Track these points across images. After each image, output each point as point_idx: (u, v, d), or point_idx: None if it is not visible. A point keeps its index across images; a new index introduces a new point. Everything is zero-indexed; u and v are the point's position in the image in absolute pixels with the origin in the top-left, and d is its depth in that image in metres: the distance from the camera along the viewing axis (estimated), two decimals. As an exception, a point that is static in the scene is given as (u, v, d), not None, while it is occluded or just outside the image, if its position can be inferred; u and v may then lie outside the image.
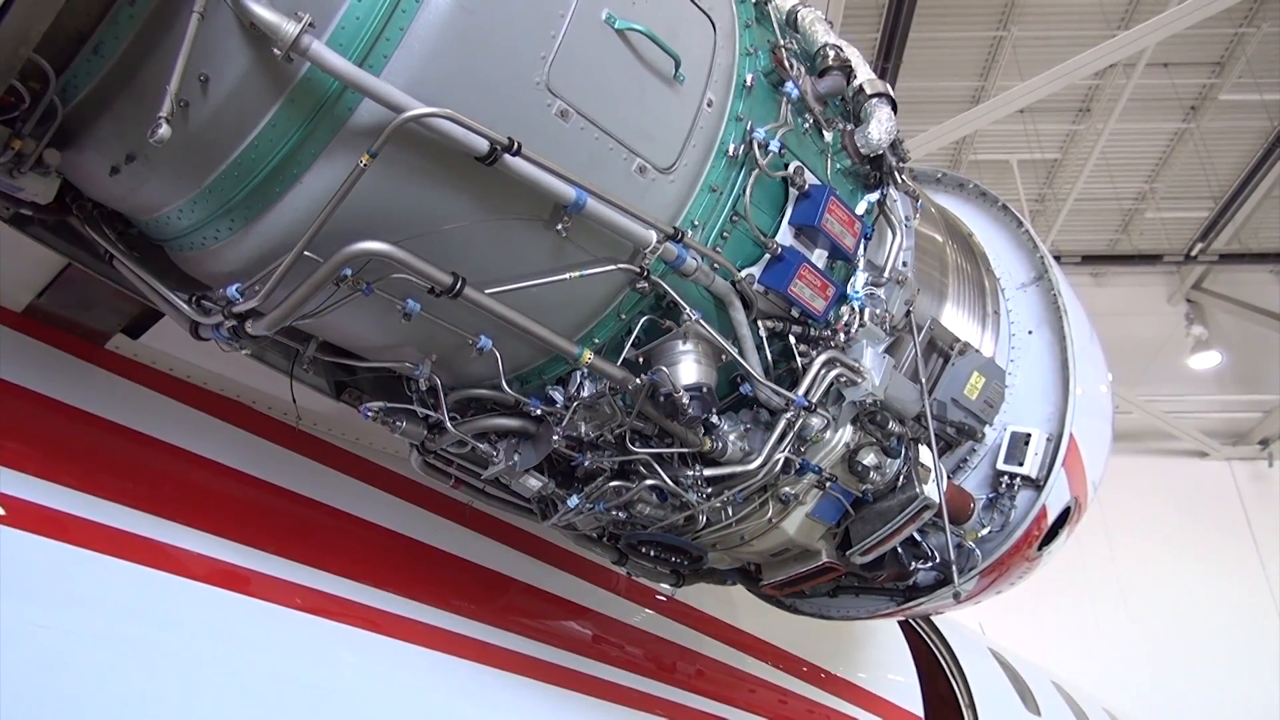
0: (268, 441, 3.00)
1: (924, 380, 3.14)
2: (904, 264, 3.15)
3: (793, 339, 2.78)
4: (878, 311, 2.93)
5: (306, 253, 1.92)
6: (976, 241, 4.27)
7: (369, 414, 2.47)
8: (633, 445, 2.60)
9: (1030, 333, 4.04)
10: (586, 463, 2.66)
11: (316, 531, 2.99)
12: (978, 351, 3.64)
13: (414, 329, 2.19)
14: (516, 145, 1.93)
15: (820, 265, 2.77)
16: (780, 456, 2.73)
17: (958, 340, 3.53)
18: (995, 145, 12.72)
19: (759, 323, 2.69)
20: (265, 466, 2.95)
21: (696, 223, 2.44)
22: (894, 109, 2.95)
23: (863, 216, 2.93)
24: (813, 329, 2.85)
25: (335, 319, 2.12)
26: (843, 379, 2.84)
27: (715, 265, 2.50)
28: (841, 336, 2.85)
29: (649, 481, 2.71)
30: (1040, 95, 9.92)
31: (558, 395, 2.51)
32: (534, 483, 2.71)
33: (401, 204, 1.99)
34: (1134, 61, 10.95)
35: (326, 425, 3.25)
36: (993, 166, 12.91)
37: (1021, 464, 3.55)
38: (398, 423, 2.54)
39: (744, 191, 2.49)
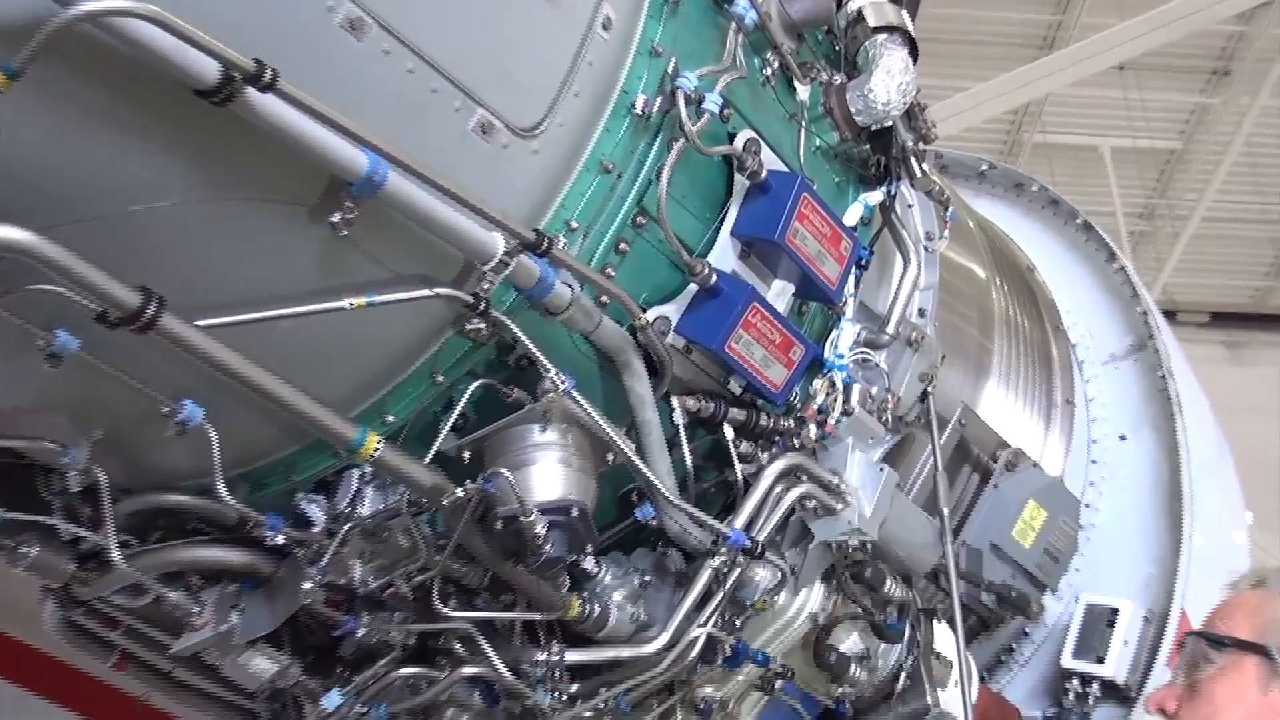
0: None
1: (946, 512, 3.28)
2: (920, 313, 3.29)
3: (729, 430, 2.87)
4: (874, 391, 3.05)
5: None
6: (1041, 281, 4.50)
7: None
8: (444, 604, 2.62)
9: (1123, 438, 4.25)
10: (361, 632, 2.66)
11: None
12: (1037, 467, 3.82)
13: (65, 382, 2.18)
14: (270, 74, 1.96)
15: (781, 307, 2.88)
16: (700, 634, 2.78)
17: (1005, 446, 3.68)
18: (1076, 121, 13.43)
19: (674, 400, 2.77)
20: None
21: (574, 224, 2.51)
22: (913, 54, 3.11)
23: (856, 229, 3.08)
24: (765, 415, 2.95)
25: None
26: (811, 504, 2.93)
27: (604, 299, 2.57)
28: (812, 431, 2.97)
29: (468, 670, 2.71)
30: (1150, 44, 10.48)
31: (316, 512, 2.51)
32: (264, 664, 2.69)
33: (63, 165, 1.98)
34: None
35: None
36: (1072, 155, 13.58)
37: (1102, 659, 3.69)
38: (22, 548, 2.50)
39: (657, 176, 2.58)
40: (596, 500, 2.61)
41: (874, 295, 3.27)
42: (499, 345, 2.50)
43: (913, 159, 3.20)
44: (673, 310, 2.71)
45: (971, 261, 3.91)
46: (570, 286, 2.46)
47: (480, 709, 2.81)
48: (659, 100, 2.57)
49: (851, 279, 3.06)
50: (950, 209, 3.40)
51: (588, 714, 2.81)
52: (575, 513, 2.51)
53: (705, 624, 2.79)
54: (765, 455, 2.95)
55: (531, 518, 2.43)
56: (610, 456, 2.64)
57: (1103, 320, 4.41)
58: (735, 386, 2.89)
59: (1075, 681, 3.74)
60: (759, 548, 2.79)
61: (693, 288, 2.71)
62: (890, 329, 3.14)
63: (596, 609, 2.74)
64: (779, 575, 2.94)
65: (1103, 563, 3.94)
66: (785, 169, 2.88)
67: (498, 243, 2.32)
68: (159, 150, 2.04)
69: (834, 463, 2.99)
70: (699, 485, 2.92)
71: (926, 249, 3.30)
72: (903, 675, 3.21)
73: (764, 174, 2.76)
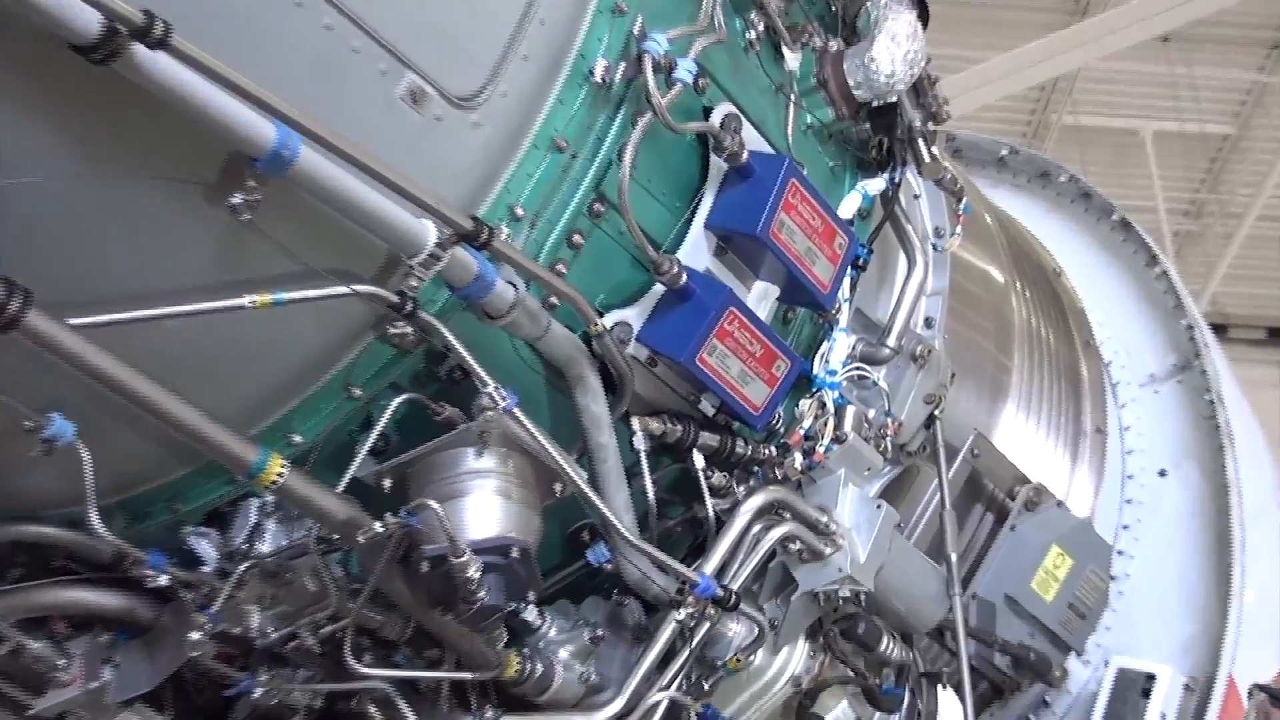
0: None
1: (955, 558, 3.33)
2: (927, 323, 3.32)
3: (699, 458, 2.91)
4: (871, 414, 3.10)
5: None
6: (1070, 288, 4.54)
7: None
8: (357, 660, 2.62)
9: (1164, 474, 4.26)
10: (258, 692, 2.66)
11: None
12: (1061, 507, 3.84)
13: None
14: (162, 28, 1.96)
15: (763, 313, 2.92)
16: (661, 699, 2.79)
17: (1024, 481, 3.71)
18: (1113, 100, 13.54)
19: (635, 422, 2.80)
20: None
21: (520, 211, 2.53)
22: (923, 18, 3.16)
23: (853, 223, 3.12)
24: (742, 441, 2.98)
25: None
26: (795, 546, 2.97)
27: (553, 300, 2.59)
28: (797, 460, 3.00)
29: (387, 738, 2.72)
30: (1200, 11, 10.60)
31: (206, 548, 2.52)
32: (141, 730, 2.67)
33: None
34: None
35: None
36: (1107, 140, 13.70)
37: (1136, 734, 3.74)
38: None
39: (619, 156, 2.61)
40: (541, 539, 2.62)
41: (873, 301, 3.31)
42: (428, 354, 2.52)
43: (920, 141, 3.23)
44: (635, 315, 2.74)
45: (988, 263, 3.94)
46: (514, 285, 2.47)
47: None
48: (622, 67, 2.59)
49: (846, 281, 3.10)
50: (964, 201, 3.45)
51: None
52: (515, 553, 2.51)
53: (668, 687, 2.80)
54: (742, 488, 2.99)
55: (463, 559, 2.42)
56: (558, 487, 2.65)
57: (1141, 335, 4.44)
58: (707, 407, 2.93)
59: (1105, 762, 3.78)
60: (732, 597, 2.81)
61: (659, 289, 2.74)
62: (891, 341, 3.18)
63: (539, 668, 2.75)
64: (756, 630, 2.97)
65: (1138, 621, 3.97)
66: (770, 150, 2.91)
67: (428, 232, 2.32)
68: (28, 116, 2.04)
69: (823, 498, 3.03)
70: (663, 523, 2.94)
71: (935, 247, 3.34)
72: (900, 752, 3.24)
73: (745, 156, 2.79)
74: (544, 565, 2.69)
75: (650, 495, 2.84)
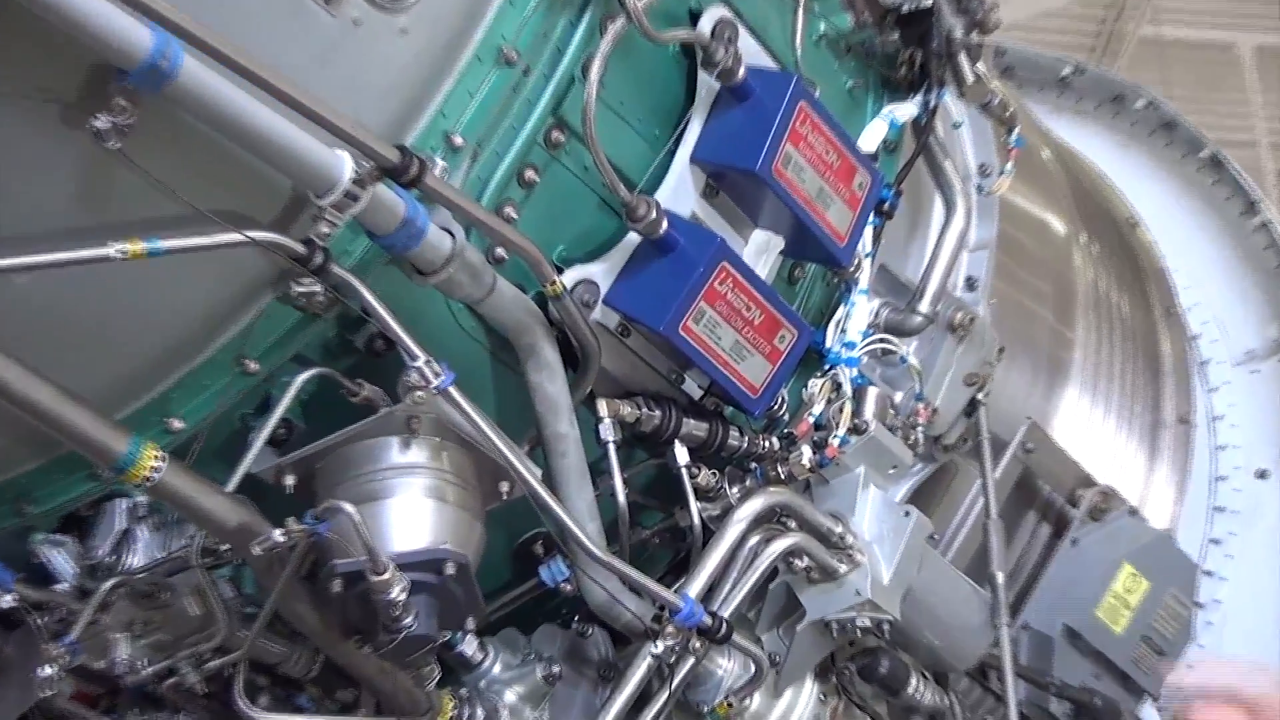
0: None
1: (1002, 579, 3.33)
2: (968, 284, 3.33)
3: (682, 452, 2.90)
4: (898, 398, 3.11)
5: None
6: (1148, 242, 4.53)
7: None
8: (251, 703, 2.61)
9: (1264, 475, 4.26)
10: (125, 743, 2.65)
11: None
12: (1135, 515, 3.84)
13: None
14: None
15: (764, 270, 2.92)
16: (634, 756, 2.80)
17: (1089, 483, 3.71)
18: (1203, 4, 13.62)
19: (601, 406, 2.79)
20: None
21: (459, 140, 2.51)
22: (966, -101, 3.16)
23: (877, 158, 3.11)
24: (736, 430, 2.98)
25: None
26: (801, 563, 2.96)
27: (500, 252, 2.59)
28: (805, 455, 3.00)
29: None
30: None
31: (62, 561, 2.51)
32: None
33: None
34: None
35: None
36: (1195, 56, 13.72)
37: (1229, 803, 3.76)
38: None
39: (583, 71, 2.60)
40: (483, 552, 2.61)
41: (901, 257, 3.30)
42: (342, 319, 2.51)
43: (962, 56, 3.22)
44: (602, 272, 2.73)
45: (1046, 210, 3.95)
46: (450, 233, 2.46)
47: None
48: (585, -38, 2.59)
49: (868, 232, 3.09)
50: (1016, 132, 3.44)
51: None
52: (450, 569, 2.50)
53: (642, 739, 2.80)
54: (735, 490, 2.99)
55: (385, 576, 2.40)
56: (505, 487, 2.65)
57: (1236, 301, 4.45)
58: (693, 387, 2.93)
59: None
60: (723, 627, 2.79)
61: (633, 239, 2.73)
62: (924, 306, 3.18)
63: (479, 713, 2.76)
64: (752, 668, 2.97)
65: (1232, 654, 3.99)
66: (773, 66, 2.91)
67: (343, 165, 2.30)
68: None
69: (837, 503, 3.03)
70: (636, 532, 2.95)
71: (979, 190, 3.34)
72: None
73: (741, 73, 2.78)
74: (487, 585, 2.66)
75: (620, 498, 2.83)
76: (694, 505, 2.90)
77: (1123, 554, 3.65)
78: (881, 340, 3.07)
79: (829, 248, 2.94)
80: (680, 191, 2.80)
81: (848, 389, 3.01)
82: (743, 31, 2.82)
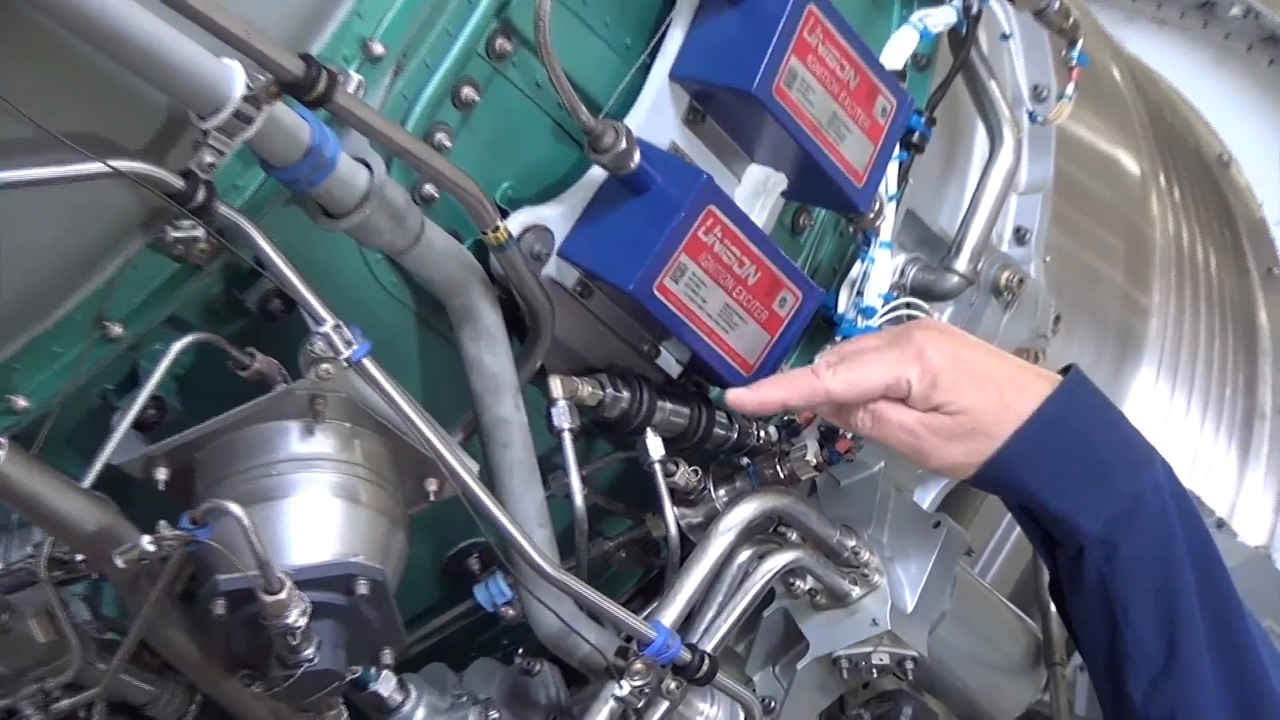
0: None
1: (1054, 606, 3.34)
2: (1018, 236, 3.35)
3: (655, 444, 2.91)
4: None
5: None
6: (1244, 186, 4.51)
7: None
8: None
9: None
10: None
11: None
12: (1224, 529, 3.82)
13: None
14: None
15: (761, 217, 2.93)
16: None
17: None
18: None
19: (554, 384, 2.79)
20: None
21: (379, 48, 2.51)
22: None
23: (904, 76, 3.14)
24: (725, 418, 3.01)
25: None
26: (803, 586, 3.00)
27: (430, 189, 2.61)
28: (810, 450, 3.01)
29: None
30: None
31: None
32: None
33: None
34: None
35: None
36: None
37: None
38: None
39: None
40: (405, 566, 2.62)
41: (933, 201, 3.34)
42: (229, 272, 2.51)
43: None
44: (558, 216, 2.74)
45: (1116, 145, 3.97)
46: (366, 165, 2.45)
47: None
48: None
49: (893, 169, 3.11)
50: (1079, 46, 3.44)
51: None
52: (363, 588, 2.50)
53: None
54: (722, 491, 3.03)
55: (280, 595, 2.39)
56: (433, 486, 2.67)
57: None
58: (671, 362, 2.97)
59: None
60: (705, 663, 2.80)
61: (597, 175, 2.74)
62: (962, 264, 3.20)
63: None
64: (741, 715, 2.99)
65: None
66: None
67: (232, 78, 2.28)
68: None
69: (849, 510, 3.07)
70: (598, 544, 3.01)
71: (1033, 118, 3.36)
72: None
73: (731, -29, 2.80)
74: (409, 608, 2.69)
75: (578, 500, 2.83)
76: (670, 510, 2.90)
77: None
78: (908, 305, 3.08)
79: (843, 188, 2.93)
80: (657, 116, 2.81)
81: (864, 366, 3.03)
82: (733, -84, 2.83)
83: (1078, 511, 2.74)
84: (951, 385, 2.69)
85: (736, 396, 2.77)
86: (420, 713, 2.82)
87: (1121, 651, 2.77)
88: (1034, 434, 2.69)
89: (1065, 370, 2.79)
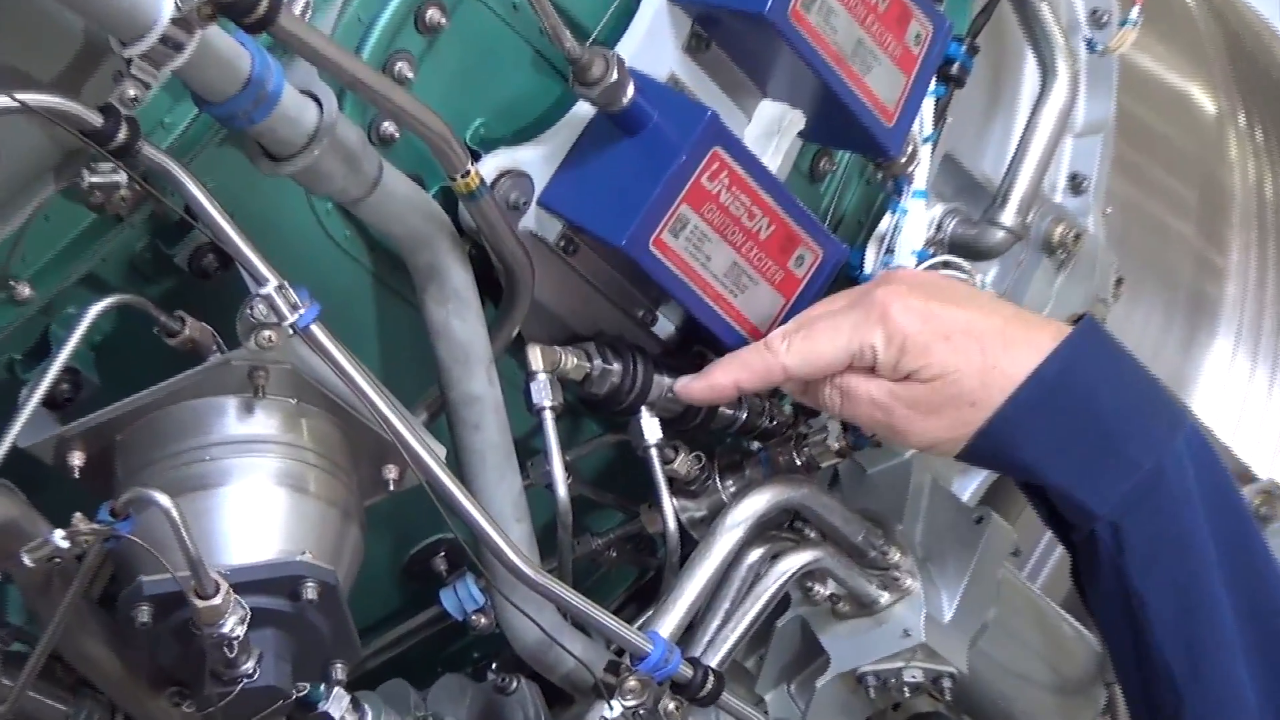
0: None
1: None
2: (1074, 184, 3.37)
3: (651, 426, 2.93)
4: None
5: None
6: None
7: None
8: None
9: None
10: None
11: None
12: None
13: None
14: None
15: (773, 162, 2.96)
16: None
17: (1248, 478, 3.71)
18: None
19: (533, 356, 2.81)
20: None
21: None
22: None
23: (942, 5, 3.16)
24: (734, 402, 3.04)
25: None
26: (823, 591, 3.04)
27: (389, 127, 2.63)
28: (833, 434, 3.04)
29: None
30: None
31: None
32: None
33: None
34: None
35: None
36: None
37: None
38: None
39: None
40: (360, 567, 2.66)
41: (976, 143, 3.36)
42: (155, 224, 2.54)
43: None
44: (538, 159, 2.76)
45: (1188, 80, 3.99)
46: (316, 99, 2.47)
47: None
48: None
49: (928, 105, 3.14)
50: (1147, -26, 3.47)
51: None
52: (311, 592, 2.51)
53: None
54: (729, 481, 3.07)
55: (215, 601, 2.40)
56: (392, 474, 2.70)
57: None
58: (667, 327, 3.00)
59: None
60: (708, 680, 2.82)
61: (583, 112, 2.76)
62: (1008, 217, 3.23)
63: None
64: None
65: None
66: None
67: (159, 2, 2.32)
68: None
69: (878, 502, 3.11)
70: (585, 542, 3.06)
71: (1091, 47, 3.38)
72: None
73: (744, -128, 2.82)
74: (366, 615, 2.73)
75: (561, 490, 2.86)
76: (668, 503, 2.92)
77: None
78: (946, 264, 3.10)
79: (870, 128, 2.94)
80: (654, 43, 2.81)
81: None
82: None
83: (1083, 487, 2.70)
84: (923, 348, 2.67)
85: (683, 386, 2.82)
86: None
87: (1148, 660, 2.73)
88: (1030, 397, 2.66)
89: (1077, 320, 2.77)
